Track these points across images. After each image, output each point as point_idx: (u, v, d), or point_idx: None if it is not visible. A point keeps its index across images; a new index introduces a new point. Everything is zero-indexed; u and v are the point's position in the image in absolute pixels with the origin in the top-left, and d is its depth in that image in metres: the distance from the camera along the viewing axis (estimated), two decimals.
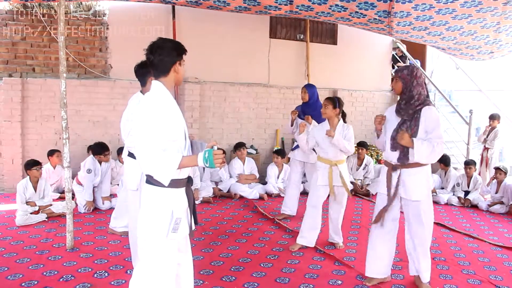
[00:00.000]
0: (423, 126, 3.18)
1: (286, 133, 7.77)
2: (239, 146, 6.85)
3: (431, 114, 3.18)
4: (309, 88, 5.26)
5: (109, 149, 5.65)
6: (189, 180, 2.37)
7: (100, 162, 5.51)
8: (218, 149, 2.21)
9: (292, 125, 5.29)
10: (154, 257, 2.26)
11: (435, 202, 6.48)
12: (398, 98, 3.35)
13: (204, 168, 6.29)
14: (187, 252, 2.47)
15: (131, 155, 3.54)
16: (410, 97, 3.23)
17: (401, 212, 3.41)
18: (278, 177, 6.78)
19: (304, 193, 5.77)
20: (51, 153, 6.01)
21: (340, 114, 4.29)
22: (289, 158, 5.67)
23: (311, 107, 5.15)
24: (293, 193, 5.39)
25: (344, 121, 4.29)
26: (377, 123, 3.39)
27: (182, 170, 2.26)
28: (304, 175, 5.67)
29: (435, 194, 6.46)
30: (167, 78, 2.31)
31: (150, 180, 2.27)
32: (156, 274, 2.27)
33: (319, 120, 4.89)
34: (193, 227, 2.43)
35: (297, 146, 5.20)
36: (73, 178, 4.87)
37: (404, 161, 3.24)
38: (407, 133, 3.17)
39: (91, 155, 5.53)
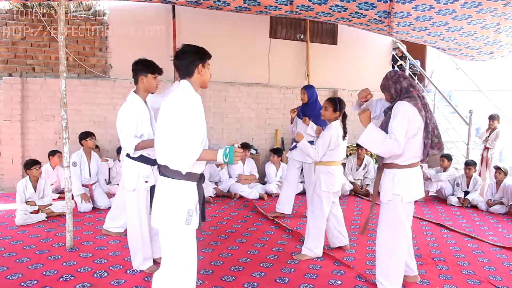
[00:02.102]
0: (391, 120, 3.09)
1: (286, 133, 7.77)
2: (242, 147, 6.81)
3: (396, 108, 3.07)
4: (308, 89, 5.26)
5: (94, 134, 5.65)
6: (201, 177, 2.46)
7: (89, 157, 5.52)
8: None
9: (291, 123, 5.31)
10: (174, 246, 2.36)
11: (443, 202, 6.56)
12: None
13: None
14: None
15: (129, 155, 3.53)
16: (390, 97, 3.24)
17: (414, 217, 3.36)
18: (276, 176, 6.79)
19: (303, 193, 5.77)
20: (52, 153, 5.98)
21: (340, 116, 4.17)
22: (287, 158, 5.68)
23: (310, 108, 5.15)
24: (289, 192, 5.37)
25: (344, 123, 4.13)
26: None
27: (197, 165, 2.36)
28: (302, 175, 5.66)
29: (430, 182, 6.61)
30: (192, 79, 2.46)
31: (164, 172, 2.38)
32: (178, 263, 2.36)
33: (318, 120, 4.87)
34: (201, 223, 2.52)
35: (295, 146, 5.20)
36: None
37: (380, 161, 3.23)
38: (369, 112, 3.16)
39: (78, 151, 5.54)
